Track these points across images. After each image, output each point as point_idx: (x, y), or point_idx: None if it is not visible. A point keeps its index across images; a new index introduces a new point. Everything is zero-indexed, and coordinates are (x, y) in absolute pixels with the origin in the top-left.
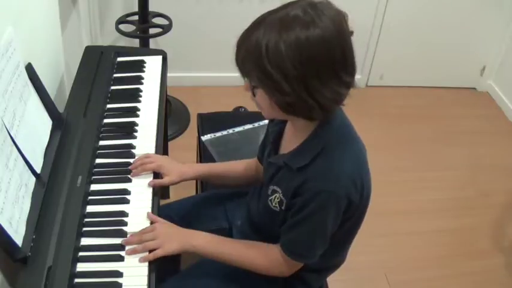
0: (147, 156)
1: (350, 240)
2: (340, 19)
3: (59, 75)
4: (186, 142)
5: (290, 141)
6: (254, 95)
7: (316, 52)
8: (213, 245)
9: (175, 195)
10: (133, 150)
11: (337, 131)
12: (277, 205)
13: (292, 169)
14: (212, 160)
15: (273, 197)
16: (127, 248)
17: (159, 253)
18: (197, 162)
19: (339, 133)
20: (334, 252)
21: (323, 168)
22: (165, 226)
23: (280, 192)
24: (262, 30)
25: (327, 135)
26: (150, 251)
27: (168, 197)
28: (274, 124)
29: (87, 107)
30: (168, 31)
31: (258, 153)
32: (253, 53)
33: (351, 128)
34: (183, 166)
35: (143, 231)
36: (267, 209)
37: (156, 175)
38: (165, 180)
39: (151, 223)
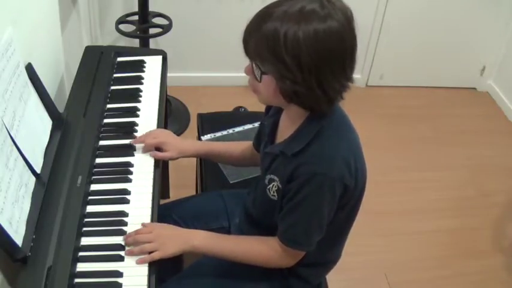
0: (148, 134)
1: (345, 232)
2: (349, 13)
3: (59, 75)
4: None
5: (285, 131)
6: (260, 80)
7: (331, 44)
8: (212, 243)
9: (175, 195)
10: (133, 150)
11: (331, 116)
12: (275, 194)
13: (287, 156)
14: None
15: (271, 185)
16: (126, 249)
17: (156, 256)
18: (198, 163)
19: (332, 119)
20: (330, 245)
21: (317, 152)
22: (162, 228)
23: (277, 180)
24: (280, 20)
25: (321, 120)
26: (149, 253)
27: (168, 196)
28: (269, 116)
29: (87, 107)
30: (168, 31)
31: (254, 140)
32: (271, 40)
33: (344, 115)
34: (184, 143)
35: (139, 231)
36: (265, 199)
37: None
38: (165, 154)
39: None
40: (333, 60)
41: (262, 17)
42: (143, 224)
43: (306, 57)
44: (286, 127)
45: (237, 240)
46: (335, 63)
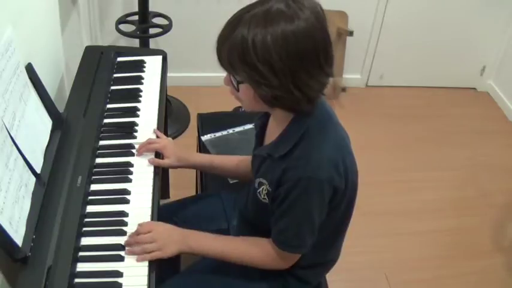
0: (151, 141)
1: (342, 232)
2: (319, 10)
3: (59, 75)
4: (186, 142)
5: (273, 133)
6: (238, 90)
7: (302, 45)
8: (208, 244)
9: (175, 195)
10: (133, 150)
11: (317, 117)
12: (265, 197)
13: (274, 158)
14: None
15: (261, 189)
16: (126, 249)
17: (157, 255)
18: None
19: (318, 119)
20: (328, 246)
21: (303, 155)
22: (161, 227)
23: (266, 183)
24: (247, 26)
25: (307, 121)
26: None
27: (168, 197)
28: (258, 118)
29: (87, 107)
30: (168, 31)
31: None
32: (240, 48)
33: (331, 113)
34: (185, 153)
35: (139, 232)
36: (257, 203)
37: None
38: (165, 161)
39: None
40: (306, 60)
41: (231, 24)
42: (140, 224)
43: (278, 61)
44: (273, 129)
45: (232, 241)
46: (309, 62)
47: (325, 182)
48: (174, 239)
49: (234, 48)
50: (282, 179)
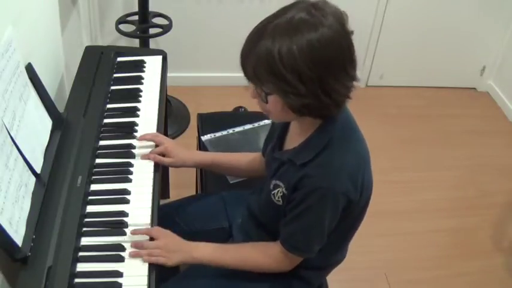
0: (156, 135)
1: (349, 238)
2: (341, 16)
3: (59, 75)
4: (186, 142)
5: (295, 138)
6: (266, 101)
7: (328, 52)
8: (212, 255)
9: (175, 195)
10: (133, 150)
11: (342, 127)
12: (280, 199)
13: (295, 164)
14: None
15: (276, 191)
16: (130, 250)
17: (161, 261)
18: None
19: (342, 130)
20: (334, 250)
21: (324, 165)
22: (170, 237)
23: (283, 186)
24: (271, 37)
25: (331, 131)
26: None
27: (168, 196)
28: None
29: (87, 107)
30: (168, 31)
31: (263, 149)
32: (266, 60)
33: (354, 126)
34: (187, 153)
35: (149, 233)
36: (270, 204)
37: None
38: (167, 160)
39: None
40: (333, 67)
41: (254, 37)
42: (151, 229)
43: (306, 69)
44: (296, 134)
45: (236, 250)
46: (336, 68)
47: (341, 194)
48: (180, 251)
49: (260, 60)
50: (299, 184)
